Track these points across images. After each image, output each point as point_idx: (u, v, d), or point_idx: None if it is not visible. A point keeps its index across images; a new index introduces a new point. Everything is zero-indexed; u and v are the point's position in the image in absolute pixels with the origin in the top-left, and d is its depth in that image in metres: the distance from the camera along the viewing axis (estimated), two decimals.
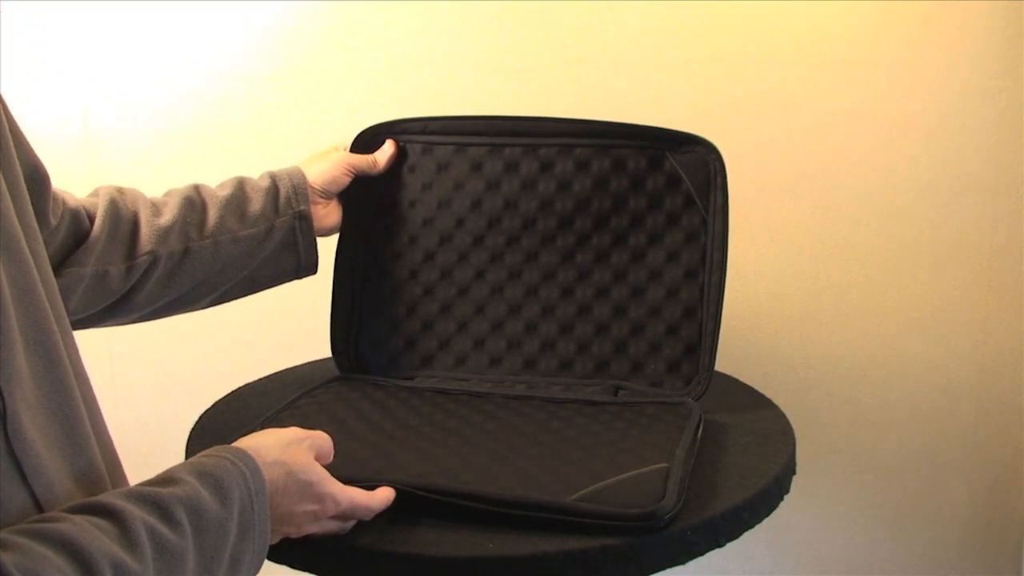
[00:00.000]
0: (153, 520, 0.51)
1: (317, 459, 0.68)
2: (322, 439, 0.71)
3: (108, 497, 0.51)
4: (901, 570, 1.46)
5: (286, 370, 1.13)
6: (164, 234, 0.86)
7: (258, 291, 0.96)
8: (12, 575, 0.41)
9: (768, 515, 0.78)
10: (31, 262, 0.56)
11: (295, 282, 0.99)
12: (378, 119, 1.34)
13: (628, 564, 0.68)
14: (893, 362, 1.38)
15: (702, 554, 0.71)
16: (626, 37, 1.30)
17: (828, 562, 1.46)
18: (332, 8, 1.31)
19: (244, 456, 0.61)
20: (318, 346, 1.08)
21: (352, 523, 0.70)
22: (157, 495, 0.53)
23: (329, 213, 0.99)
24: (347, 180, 0.99)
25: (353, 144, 1.02)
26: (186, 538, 0.52)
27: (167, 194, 0.92)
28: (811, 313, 1.37)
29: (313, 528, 0.67)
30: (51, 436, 0.54)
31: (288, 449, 0.65)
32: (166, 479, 0.56)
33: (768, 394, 1.02)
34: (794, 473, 0.85)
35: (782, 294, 1.37)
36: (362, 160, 1.00)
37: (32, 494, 0.51)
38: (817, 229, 1.34)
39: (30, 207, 0.61)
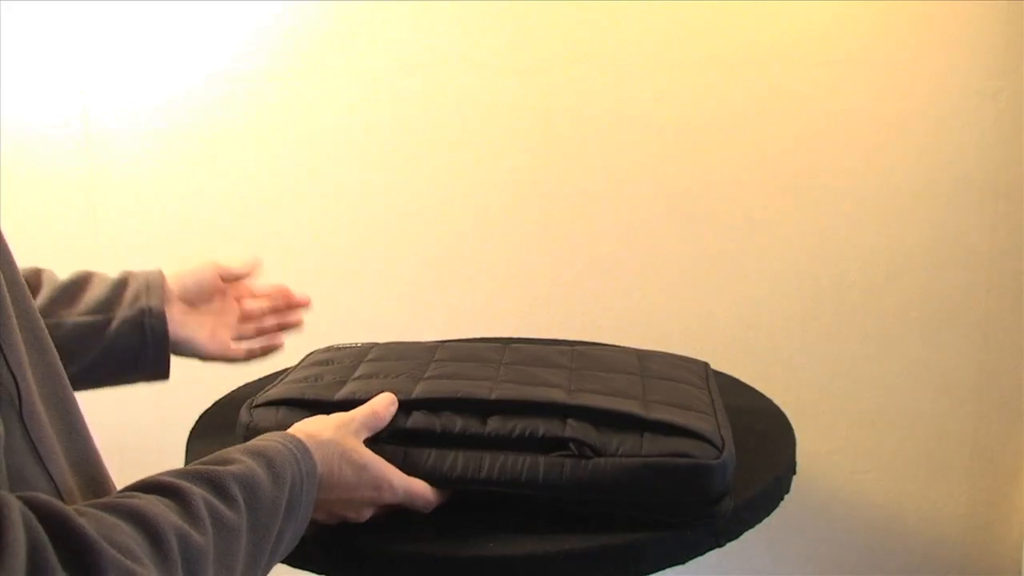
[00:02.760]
0: (211, 496, 0.52)
1: (375, 426, 0.70)
2: (367, 416, 0.71)
3: (166, 476, 0.52)
4: (901, 570, 1.46)
5: (285, 370, 1.13)
6: None
7: (98, 387, 0.85)
8: (92, 536, 0.42)
9: (768, 515, 0.78)
10: (11, 252, 0.56)
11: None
12: (378, 119, 1.34)
13: (628, 564, 0.68)
14: (893, 362, 1.38)
15: (702, 554, 0.71)
16: (626, 37, 1.30)
17: (828, 562, 1.46)
18: (332, 8, 1.31)
19: (295, 440, 0.62)
20: (317, 346, 1.08)
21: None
22: (214, 472, 0.54)
23: (188, 322, 0.88)
24: (213, 284, 0.89)
25: None
26: (241, 514, 0.53)
27: None
28: (811, 313, 1.37)
29: (370, 513, 0.68)
30: (51, 422, 0.54)
31: (338, 431, 0.66)
32: (220, 459, 0.57)
33: (768, 394, 1.02)
34: (794, 473, 0.85)
35: (782, 294, 1.37)
36: (233, 267, 0.91)
37: (50, 477, 0.51)
38: (817, 229, 1.34)
39: None
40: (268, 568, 0.58)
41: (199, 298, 0.89)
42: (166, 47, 1.33)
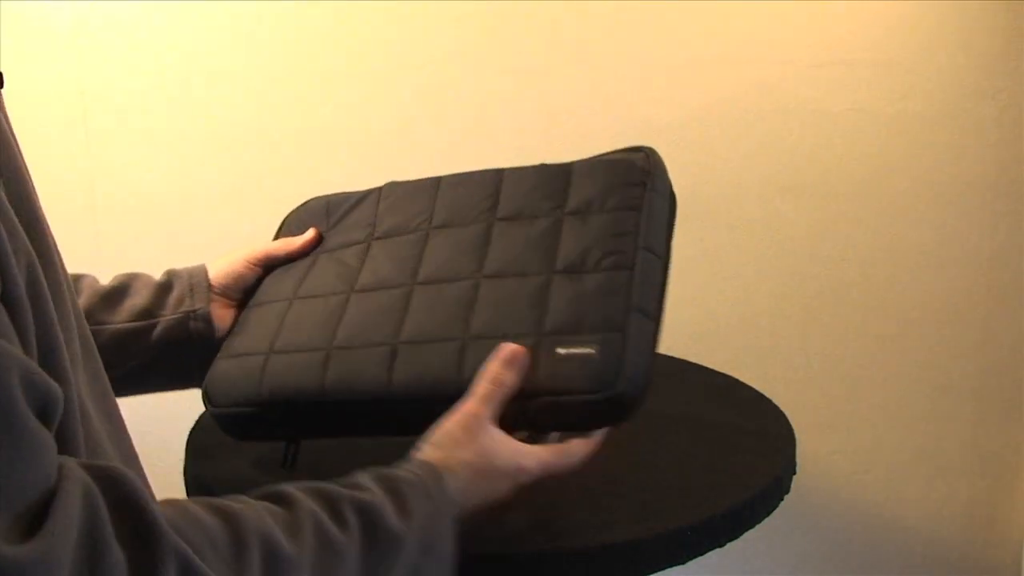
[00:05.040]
0: (321, 512, 0.51)
1: (504, 399, 0.66)
2: (492, 396, 0.65)
3: (286, 486, 0.53)
4: (901, 570, 1.46)
5: None
6: None
7: (143, 393, 0.84)
8: (157, 518, 0.41)
9: (768, 515, 0.78)
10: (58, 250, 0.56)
11: None
12: (378, 119, 1.34)
13: (628, 564, 0.68)
14: (893, 362, 1.38)
15: (702, 554, 0.71)
16: (626, 37, 1.30)
17: (828, 562, 1.46)
18: (332, 8, 1.31)
19: (429, 470, 0.60)
20: None
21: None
22: (333, 492, 0.54)
23: (228, 316, 0.85)
24: (251, 275, 0.86)
25: (280, 227, 0.93)
26: (352, 539, 0.52)
27: None
28: (811, 313, 1.37)
29: (514, 492, 0.66)
30: (100, 421, 0.53)
31: (468, 446, 0.63)
32: (349, 482, 0.56)
33: (768, 394, 1.02)
34: (794, 473, 0.85)
35: (782, 294, 1.37)
36: (267, 249, 0.87)
37: None
38: (817, 229, 1.34)
39: None
40: None
41: (234, 290, 0.85)
42: (166, 47, 1.33)
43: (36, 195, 0.50)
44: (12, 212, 0.44)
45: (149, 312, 0.81)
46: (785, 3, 1.27)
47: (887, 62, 1.28)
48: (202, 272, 0.84)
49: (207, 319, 0.82)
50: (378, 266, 0.80)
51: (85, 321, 0.56)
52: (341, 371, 0.73)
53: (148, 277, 0.84)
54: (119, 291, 0.81)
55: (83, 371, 0.52)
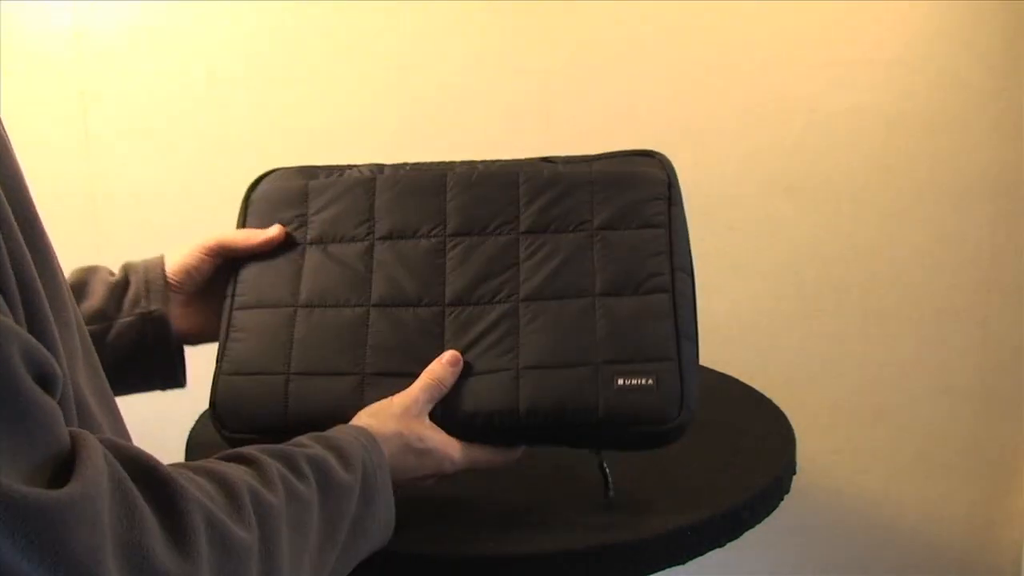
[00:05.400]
0: (284, 469, 0.54)
1: (439, 396, 0.71)
2: (430, 389, 0.71)
3: (243, 449, 0.55)
4: (901, 570, 1.46)
5: None
6: None
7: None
8: (171, 475, 0.43)
9: (768, 515, 0.78)
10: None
11: None
12: (377, 119, 1.34)
13: (628, 564, 0.68)
14: (893, 362, 1.38)
15: (702, 554, 0.71)
16: (626, 38, 1.30)
17: (828, 562, 1.46)
18: (332, 8, 1.31)
19: (363, 432, 0.64)
20: None
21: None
22: (287, 450, 0.57)
23: (189, 313, 0.81)
24: (206, 268, 0.81)
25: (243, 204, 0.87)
26: (312, 491, 0.55)
27: None
28: (811, 313, 1.37)
29: (433, 481, 0.71)
30: (102, 415, 0.54)
31: (402, 420, 0.68)
32: (293, 442, 0.60)
33: (768, 394, 1.02)
34: (794, 473, 0.85)
35: (782, 294, 1.37)
36: (222, 239, 0.82)
37: None
38: (817, 229, 1.34)
39: None
40: (355, 553, 0.60)
41: (196, 286, 0.81)
42: (166, 48, 1.33)
43: (31, 195, 0.51)
44: (10, 211, 0.44)
45: (104, 315, 0.77)
46: (786, 4, 1.27)
47: (888, 62, 1.28)
48: (159, 267, 0.80)
49: (163, 320, 0.78)
50: (393, 276, 0.78)
51: (82, 318, 0.56)
52: (381, 398, 0.73)
53: (105, 272, 0.80)
54: (75, 290, 0.77)
55: (83, 365, 0.53)
